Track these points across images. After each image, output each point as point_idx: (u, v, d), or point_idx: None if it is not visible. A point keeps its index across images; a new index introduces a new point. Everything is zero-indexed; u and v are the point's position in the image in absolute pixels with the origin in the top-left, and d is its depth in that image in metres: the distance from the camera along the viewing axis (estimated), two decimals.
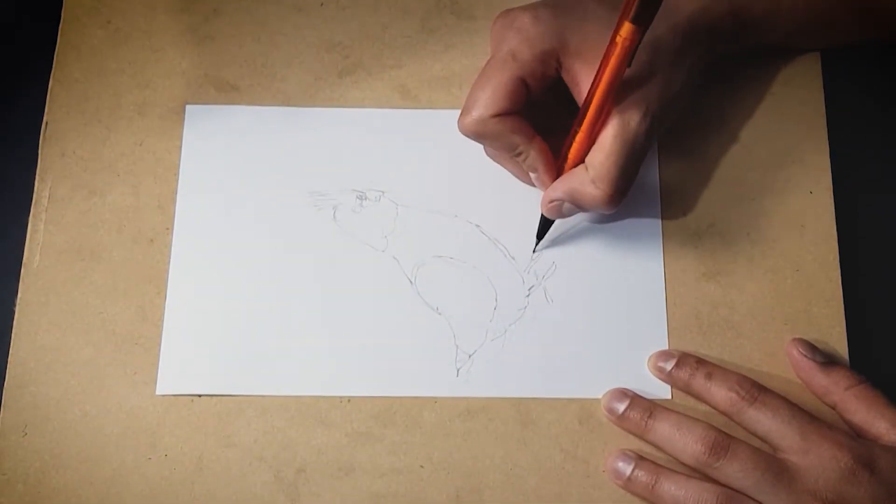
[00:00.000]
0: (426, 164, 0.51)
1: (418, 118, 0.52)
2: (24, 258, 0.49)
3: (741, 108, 0.53)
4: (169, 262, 0.49)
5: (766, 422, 0.45)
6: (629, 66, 0.42)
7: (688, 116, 0.51)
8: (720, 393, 0.46)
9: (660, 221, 0.51)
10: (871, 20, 0.52)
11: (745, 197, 0.51)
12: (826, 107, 0.52)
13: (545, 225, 0.49)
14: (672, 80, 0.46)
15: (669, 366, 0.47)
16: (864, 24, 0.52)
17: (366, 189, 0.51)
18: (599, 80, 0.43)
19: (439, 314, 0.49)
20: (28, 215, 0.50)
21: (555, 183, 0.47)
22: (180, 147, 0.51)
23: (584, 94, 0.44)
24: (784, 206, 0.51)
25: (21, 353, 0.48)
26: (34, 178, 0.51)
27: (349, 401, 0.48)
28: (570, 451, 0.47)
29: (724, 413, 0.46)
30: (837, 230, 0.50)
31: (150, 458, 0.47)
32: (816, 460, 0.43)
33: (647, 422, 0.46)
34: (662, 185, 0.51)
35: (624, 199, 0.45)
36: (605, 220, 0.51)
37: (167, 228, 0.50)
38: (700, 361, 0.47)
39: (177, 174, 0.51)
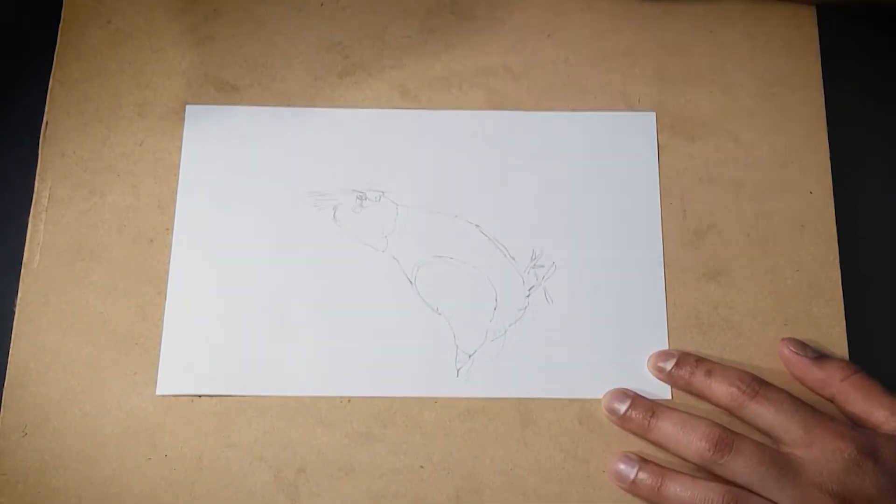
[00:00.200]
0: (426, 165, 0.51)
1: (418, 118, 0.52)
2: (24, 258, 0.49)
3: (741, 108, 0.53)
4: (169, 262, 0.49)
5: (768, 416, 0.45)
6: None
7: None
8: (721, 389, 0.46)
9: (660, 221, 0.51)
10: None
11: (745, 197, 0.51)
12: (826, 107, 0.52)
13: None
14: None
15: (669, 365, 0.47)
16: None
17: (366, 189, 0.51)
18: None
19: (439, 314, 0.49)
20: (28, 215, 0.50)
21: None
22: (180, 147, 0.51)
23: None
24: (784, 206, 0.51)
25: (21, 353, 0.48)
26: (34, 178, 0.51)
27: (349, 401, 0.48)
28: (570, 451, 0.47)
29: (725, 408, 0.46)
30: (837, 230, 0.50)
31: (150, 458, 0.47)
32: (820, 453, 0.43)
33: (649, 421, 0.46)
34: (662, 185, 0.51)
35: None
36: (605, 220, 0.51)
37: (167, 228, 0.50)
38: (699, 359, 0.47)
39: (177, 174, 0.51)
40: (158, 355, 0.48)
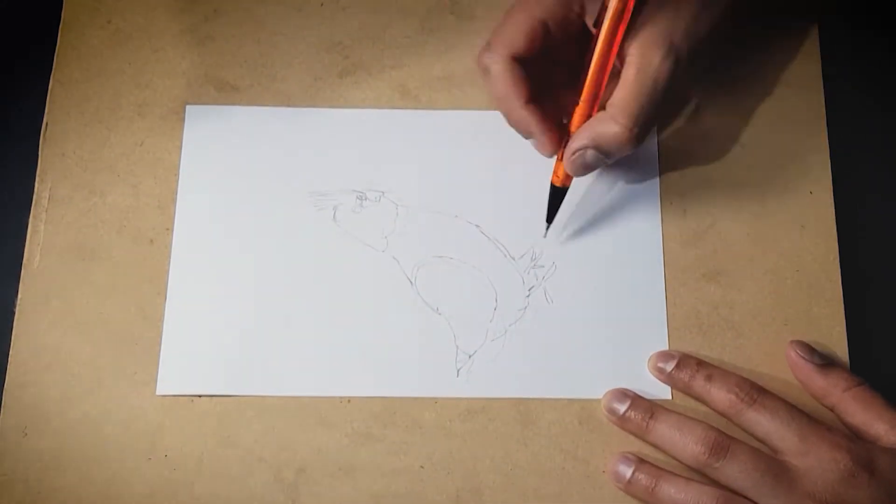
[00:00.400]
0: (426, 165, 0.51)
1: (418, 118, 0.52)
2: (24, 258, 0.49)
3: (741, 108, 0.53)
4: (169, 262, 0.49)
5: (765, 424, 0.45)
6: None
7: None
8: (720, 395, 0.46)
9: (660, 221, 0.51)
10: None
11: (745, 197, 0.51)
12: (826, 107, 0.52)
13: (554, 200, 0.49)
14: (700, 18, 0.45)
15: (670, 367, 0.47)
16: None
17: (366, 189, 0.51)
18: (600, 29, 0.43)
19: (439, 314, 0.49)
20: (28, 215, 0.50)
21: (577, 132, 0.46)
22: (180, 147, 0.51)
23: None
24: (784, 206, 0.51)
25: (21, 353, 0.48)
26: (34, 178, 0.51)
27: (349, 401, 0.48)
28: (570, 451, 0.47)
29: (723, 415, 0.46)
30: (837, 230, 0.50)
31: (150, 459, 0.47)
32: (816, 462, 0.43)
33: (647, 422, 0.46)
34: (662, 184, 0.51)
35: (644, 140, 0.45)
36: (605, 220, 0.51)
37: (167, 228, 0.50)
38: (700, 363, 0.47)
39: (177, 174, 0.51)
40: (158, 355, 0.48)
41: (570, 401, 0.48)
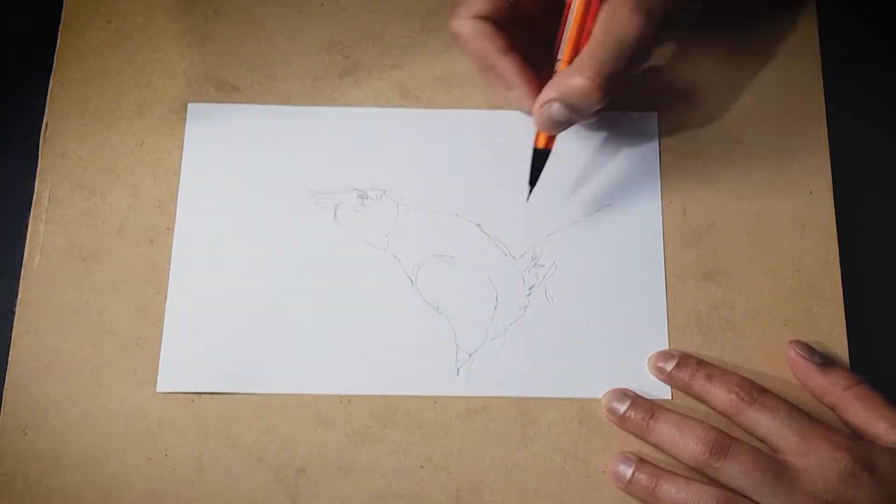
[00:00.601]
0: (427, 164, 0.51)
1: (419, 117, 0.52)
2: (24, 258, 0.49)
3: (741, 108, 0.53)
4: (169, 262, 0.49)
5: (765, 423, 0.45)
6: None
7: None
8: (720, 394, 0.46)
9: (660, 221, 0.51)
10: None
11: (745, 197, 0.51)
12: (826, 107, 0.52)
13: (536, 163, 0.48)
14: None
15: (670, 366, 0.47)
16: None
17: (367, 188, 0.51)
18: None
19: (440, 313, 0.49)
20: (28, 215, 0.50)
21: (546, 85, 0.45)
22: (181, 147, 0.51)
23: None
24: (784, 206, 0.51)
25: (21, 353, 0.48)
26: (34, 178, 0.51)
27: (349, 400, 0.48)
28: (570, 451, 0.47)
29: (723, 414, 0.46)
30: (837, 230, 0.50)
31: (150, 458, 0.47)
32: (816, 462, 0.43)
33: (647, 422, 0.46)
34: (662, 185, 0.51)
35: (612, 94, 0.44)
36: (605, 219, 0.51)
37: (167, 228, 0.50)
38: (700, 363, 0.47)
39: (177, 174, 0.51)
40: (158, 355, 0.48)
41: (570, 400, 0.48)
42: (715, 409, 0.47)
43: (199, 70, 0.53)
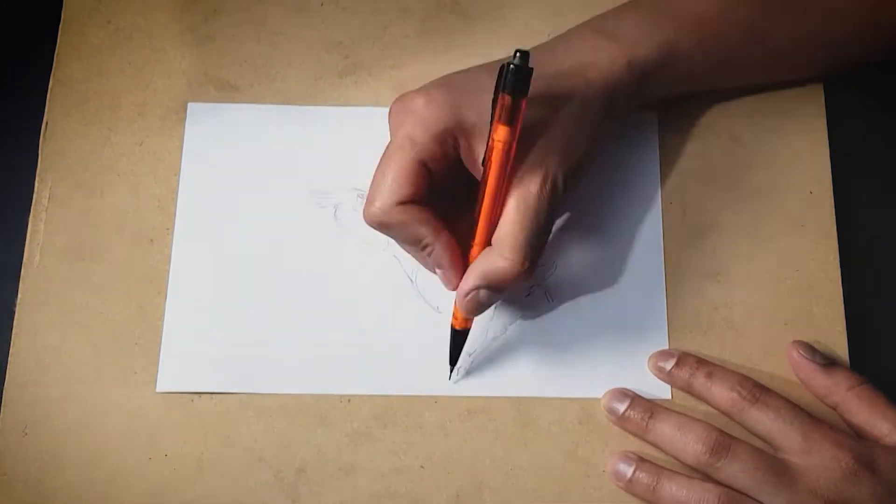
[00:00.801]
0: None
1: None
2: (24, 258, 0.49)
3: (741, 108, 0.53)
4: (169, 262, 0.49)
5: (767, 422, 0.45)
6: (516, 136, 0.41)
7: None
8: (721, 393, 0.46)
9: (660, 221, 0.51)
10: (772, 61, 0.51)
11: (745, 197, 0.51)
12: (826, 107, 0.52)
13: (455, 344, 0.47)
14: (575, 139, 0.44)
15: (669, 365, 0.47)
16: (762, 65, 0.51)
17: (367, 187, 0.50)
18: (487, 175, 0.42)
19: (440, 313, 0.49)
20: (28, 215, 0.50)
21: (466, 273, 0.44)
22: (181, 147, 0.51)
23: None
24: (784, 206, 0.51)
25: (21, 353, 0.48)
26: (34, 178, 0.51)
27: (349, 400, 0.48)
28: (570, 451, 0.47)
29: (725, 413, 0.46)
30: (837, 230, 0.50)
31: (150, 458, 0.47)
32: (818, 460, 0.43)
33: (647, 422, 0.46)
34: (662, 185, 0.51)
35: (535, 269, 0.43)
36: (605, 220, 0.51)
37: (167, 228, 0.50)
38: (700, 361, 0.47)
39: (177, 174, 0.51)
40: (158, 355, 0.48)
41: (570, 400, 0.48)
42: (716, 408, 0.47)
43: (199, 70, 0.53)
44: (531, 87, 0.39)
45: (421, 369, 0.48)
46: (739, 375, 0.47)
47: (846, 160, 0.52)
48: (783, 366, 0.48)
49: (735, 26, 0.48)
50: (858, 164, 0.53)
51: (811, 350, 0.47)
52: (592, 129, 0.45)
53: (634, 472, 0.46)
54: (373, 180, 0.44)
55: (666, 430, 0.46)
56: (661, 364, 0.48)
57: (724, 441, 0.44)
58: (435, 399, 0.48)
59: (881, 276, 0.52)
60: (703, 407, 0.47)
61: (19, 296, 0.49)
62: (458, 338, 0.47)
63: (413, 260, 0.49)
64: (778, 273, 0.50)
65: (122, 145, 0.51)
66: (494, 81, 0.40)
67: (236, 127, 0.52)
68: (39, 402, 0.47)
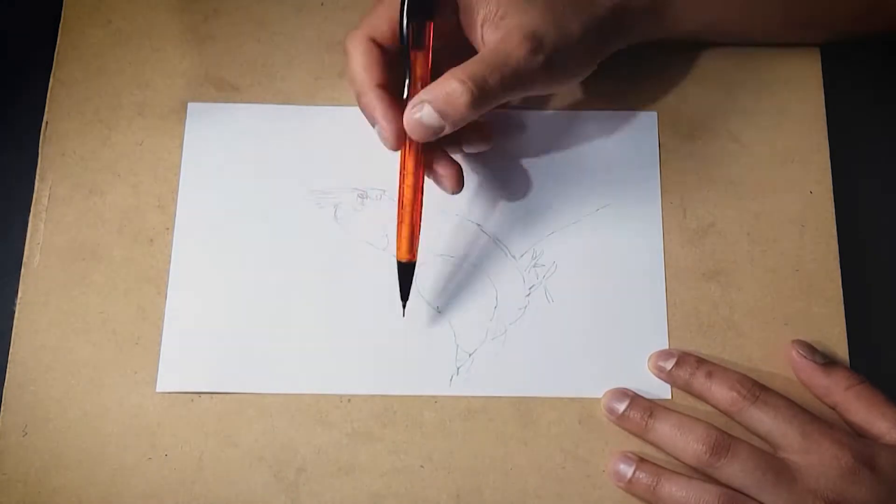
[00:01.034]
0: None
1: None
2: (24, 258, 0.49)
3: (741, 108, 0.53)
4: (169, 262, 0.49)
5: (767, 421, 0.45)
6: None
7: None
8: (721, 392, 0.46)
9: (660, 221, 0.51)
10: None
11: (745, 197, 0.51)
12: (826, 107, 0.52)
13: (404, 277, 0.47)
14: (568, 16, 0.45)
15: (670, 365, 0.47)
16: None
17: (367, 187, 0.51)
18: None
19: (440, 313, 0.49)
20: (28, 215, 0.50)
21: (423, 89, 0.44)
22: (181, 146, 0.51)
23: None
24: (784, 206, 0.51)
25: (21, 353, 0.48)
26: (34, 178, 0.51)
27: (349, 400, 0.48)
28: (570, 451, 0.47)
29: (724, 412, 0.46)
30: (837, 230, 0.50)
31: (150, 458, 0.47)
32: (817, 459, 0.43)
33: (647, 421, 0.46)
34: (662, 185, 0.51)
35: (485, 109, 0.44)
36: (605, 219, 0.51)
37: (167, 228, 0.50)
38: (700, 361, 0.47)
39: (177, 174, 0.51)
40: (159, 355, 0.48)
41: (571, 400, 0.48)
42: (716, 407, 0.47)
43: (199, 70, 0.53)
44: None
45: (421, 369, 0.48)
46: (739, 374, 0.47)
47: (846, 160, 0.52)
48: (783, 365, 0.48)
49: None
50: (858, 164, 0.53)
51: (810, 349, 0.47)
52: (598, 13, 0.46)
53: (635, 472, 0.46)
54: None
55: (666, 430, 0.46)
56: (661, 364, 0.48)
57: (724, 440, 0.44)
58: (435, 399, 0.48)
59: (881, 277, 0.52)
60: (703, 407, 0.47)
61: (19, 296, 0.49)
62: (405, 271, 0.47)
63: None
64: (778, 273, 0.50)
65: (122, 145, 0.51)
66: None
67: (236, 127, 0.52)
68: (39, 402, 0.47)
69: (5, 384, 0.47)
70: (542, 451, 0.47)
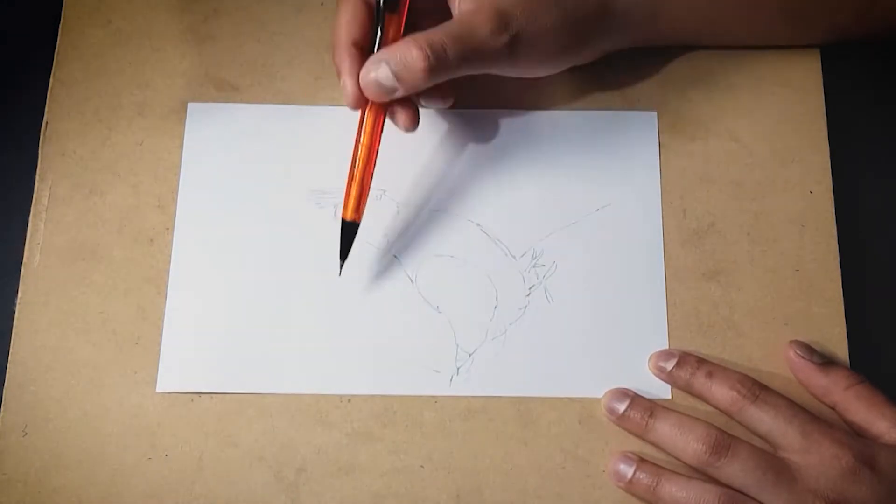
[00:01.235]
0: (427, 163, 0.51)
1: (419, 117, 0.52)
2: (24, 258, 0.49)
3: (741, 108, 0.53)
4: (169, 262, 0.49)
5: (767, 420, 0.45)
6: None
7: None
8: (721, 392, 0.46)
9: (660, 221, 0.51)
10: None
11: (745, 197, 0.51)
12: (826, 107, 0.52)
13: (346, 236, 0.48)
14: (547, 7, 0.45)
15: (670, 365, 0.47)
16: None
17: None
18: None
19: (440, 313, 0.49)
20: (28, 215, 0.50)
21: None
22: (181, 146, 0.51)
23: None
24: (784, 206, 0.51)
25: (21, 353, 0.48)
26: (34, 178, 0.51)
27: (349, 400, 0.48)
28: (570, 451, 0.47)
29: (725, 412, 0.46)
30: (837, 230, 0.50)
31: (150, 458, 0.47)
32: (817, 459, 0.43)
33: (647, 421, 0.46)
34: (662, 185, 0.51)
35: (441, 78, 0.44)
36: (605, 219, 0.51)
37: (167, 228, 0.50)
38: (701, 361, 0.47)
39: (177, 174, 0.51)
40: (159, 355, 0.48)
41: (571, 400, 0.48)
42: (716, 407, 0.47)
43: (199, 70, 0.53)
44: None
45: (421, 369, 0.48)
46: (739, 374, 0.47)
47: (846, 160, 0.52)
48: (783, 365, 0.48)
49: None
50: (858, 164, 0.53)
51: (809, 350, 0.47)
52: (558, 12, 0.46)
53: (635, 472, 0.45)
54: None
55: (666, 430, 0.46)
56: (661, 364, 0.48)
57: (724, 440, 0.44)
58: (435, 399, 0.48)
59: (881, 277, 0.52)
60: (703, 407, 0.47)
61: (19, 296, 0.49)
62: (348, 231, 0.47)
63: (413, 260, 0.49)
64: (778, 273, 0.50)
65: (122, 145, 0.51)
66: None
67: (236, 127, 0.52)
68: (39, 402, 0.47)
69: (5, 384, 0.47)
70: (542, 452, 0.47)
